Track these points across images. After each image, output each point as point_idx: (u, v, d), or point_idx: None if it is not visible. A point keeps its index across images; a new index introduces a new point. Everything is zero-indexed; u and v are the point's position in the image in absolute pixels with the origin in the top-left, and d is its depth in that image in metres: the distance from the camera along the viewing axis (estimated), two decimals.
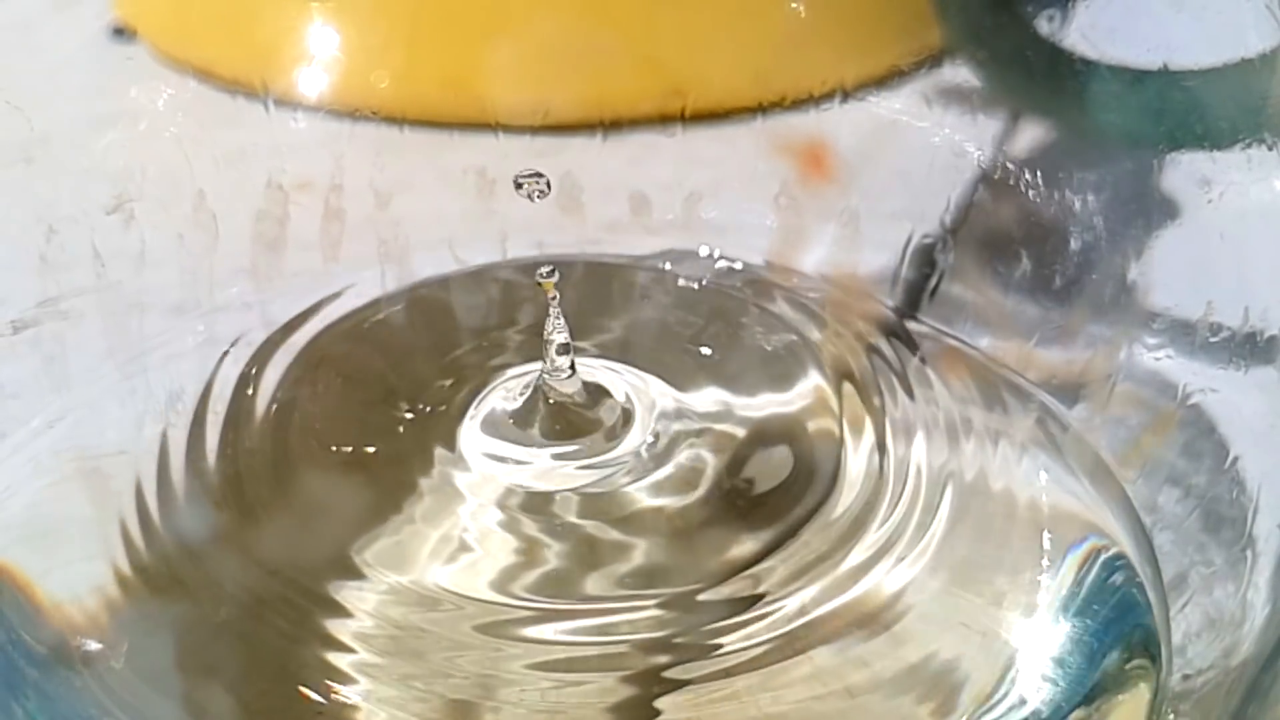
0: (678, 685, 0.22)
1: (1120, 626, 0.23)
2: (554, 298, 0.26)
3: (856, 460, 0.26)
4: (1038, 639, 0.23)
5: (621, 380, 0.28)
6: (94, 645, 0.22)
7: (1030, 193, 0.27)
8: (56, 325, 0.26)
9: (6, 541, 0.24)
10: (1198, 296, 0.25)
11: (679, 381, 0.28)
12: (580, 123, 0.30)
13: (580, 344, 0.27)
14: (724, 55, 0.30)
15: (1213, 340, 0.25)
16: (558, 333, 0.27)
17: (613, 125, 0.30)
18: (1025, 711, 0.22)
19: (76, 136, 0.28)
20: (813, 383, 0.28)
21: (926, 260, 0.29)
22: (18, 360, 0.26)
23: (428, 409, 0.27)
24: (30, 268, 0.26)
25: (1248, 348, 0.24)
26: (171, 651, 0.22)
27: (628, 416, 0.27)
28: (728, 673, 0.22)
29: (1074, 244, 0.27)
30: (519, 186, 0.28)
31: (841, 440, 0.27)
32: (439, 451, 0.26)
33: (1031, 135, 0.28)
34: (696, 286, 0.30)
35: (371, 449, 0.26)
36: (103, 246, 0.27)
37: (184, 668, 0.22)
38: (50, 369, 0.26)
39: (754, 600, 0.23)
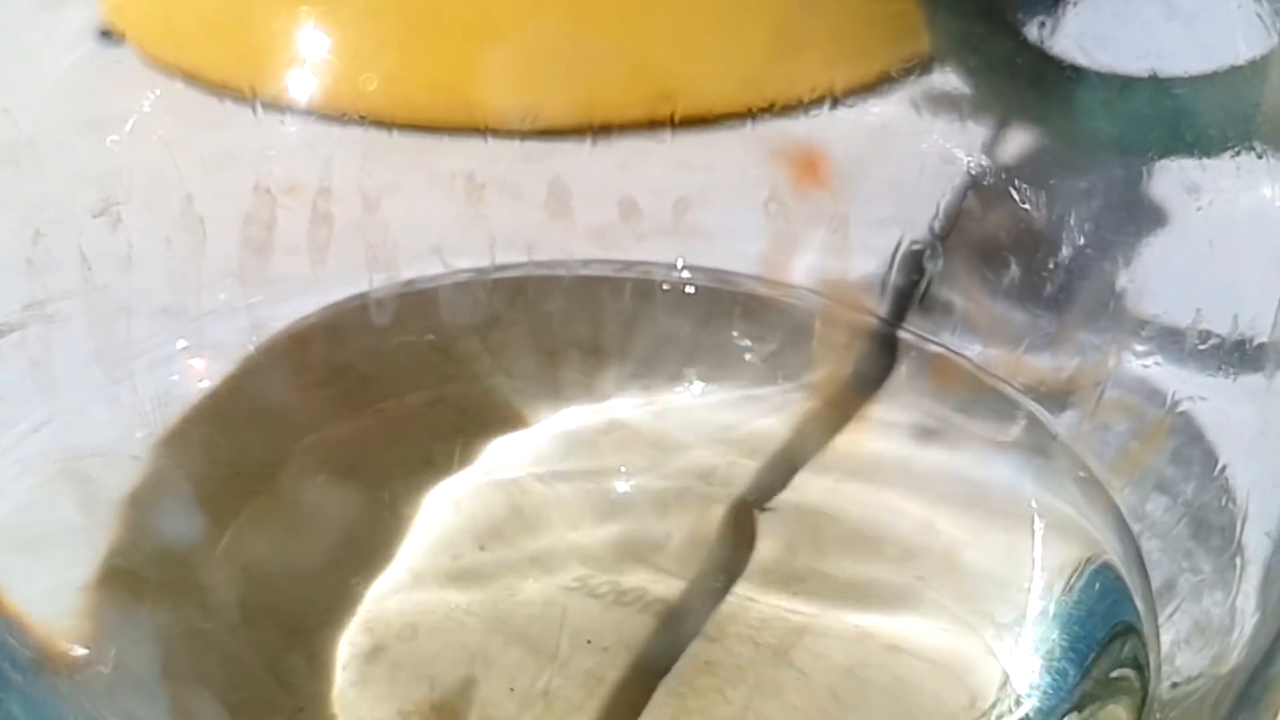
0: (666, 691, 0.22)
1: (1109, 634, 0.23)
2: None
3: (846, 467, 0.26)
4: (1027, 646, 0.23)
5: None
6: (80, 651, 0.22)
7: (1019, 200, 0.27)
8: (42, 328, 0.26)
9: None
10: (1187, 304, 0.25)
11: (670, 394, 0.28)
12: (569, 127, 0.29)
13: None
14: (713, 61, 0.30)
15: (1201, 348, 0.25)
16: None
17: (602, 130, 0.29)
18: (1014, 718, 0.22)
19: (63, 139, 0.27)
20: (803, 391, 0.28)
21: (915, 267, 0.29)
22: (3, 364, 0.26)
23: (419, 417, 0.27)
24: (16, 270, 0.26)
25: (1237, 355, 0.24)
26: (158, 658, 0.22)
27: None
28: (721, 677, 0.22)
29: (1063, 251, 0.27)
30: None
31: (831, 448, 0.27)
32: (432, 461, 0.26)
33: (1021, 142, 0.28)
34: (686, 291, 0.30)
35: (362, 457, 0.26)
36: (89, 250, 0.27)
37: (171, 674, 0.22)
38: (36, 372, 0.26)
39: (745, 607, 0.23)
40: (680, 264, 0.30)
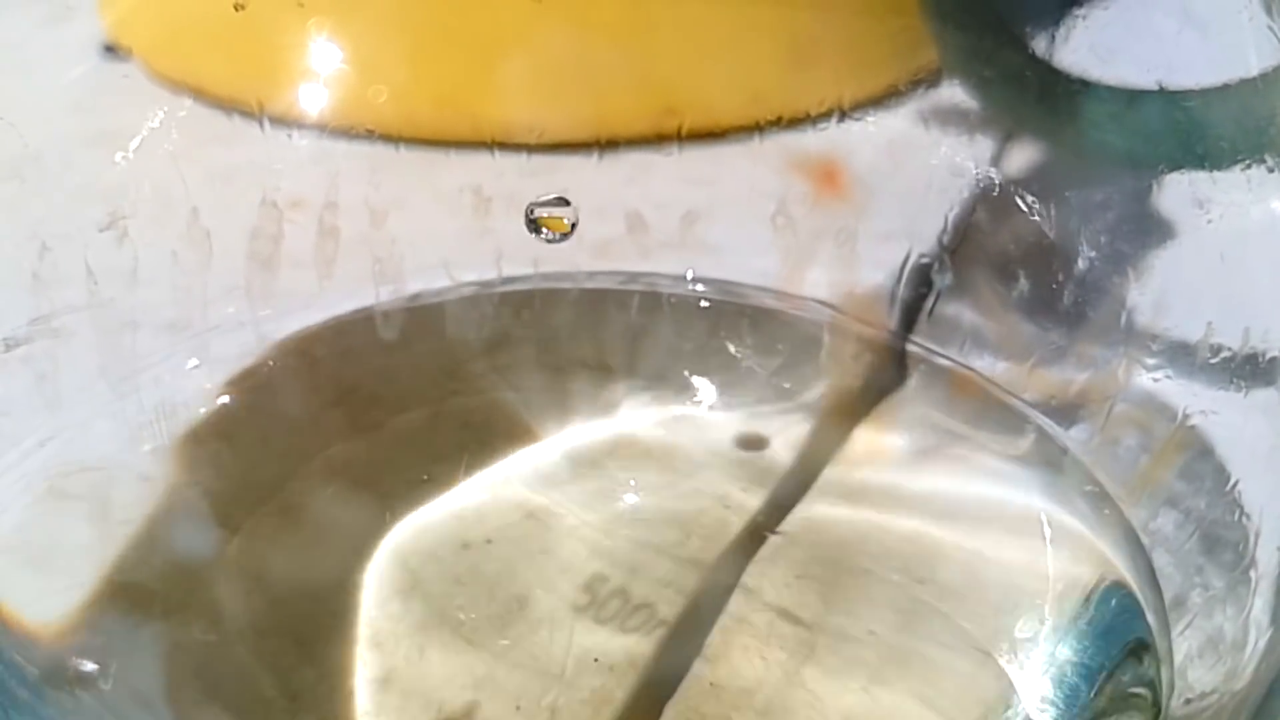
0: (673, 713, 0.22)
1: (1121, 650, 0.23)
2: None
3: (856, 481, 0.26)
4: (1039, 662, 0.23)
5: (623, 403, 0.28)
6: (87, 666, 0.22)
7: (1029, 213, 0.27)
8: (49, 343, 0.26)
9: None
10: (1197, 317, 0.25)
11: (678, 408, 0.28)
12: (576, 142, 0.29)
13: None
14: (720, 75, 0.30)
15: (1212, 361, 0.24)
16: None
17: (609, 144, 0.29)
18: None
19: (70, 154, 0.27)
20: (811, 405, 0.28)
21: (924, 280, 0.29)
22: (10, 378, 0.26)
23: (426, 431, 0.27)
24: (22, 285, 0.26)
25: (1248, 369, 0.24)
26: (166, 673, 0.22)
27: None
28: (728, 701, 0.22)
29: (1073, 264, 0.27)
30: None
31: (840, 462, 0.26)
32: (439, 476, 0.26)
33: (1030, 155, 0.28)
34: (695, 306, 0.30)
35: (369, 471, 0.26)
36: (95, 264, 0.27)
37: (178, 690, 0.22)
38: (42, 387, 0.26)
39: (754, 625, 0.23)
40: (690, 275, 0.30)
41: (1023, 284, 0.28)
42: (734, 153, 0.30)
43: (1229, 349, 0.24)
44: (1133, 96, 0.26)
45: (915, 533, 0.25)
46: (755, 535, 0.25)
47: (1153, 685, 0.22)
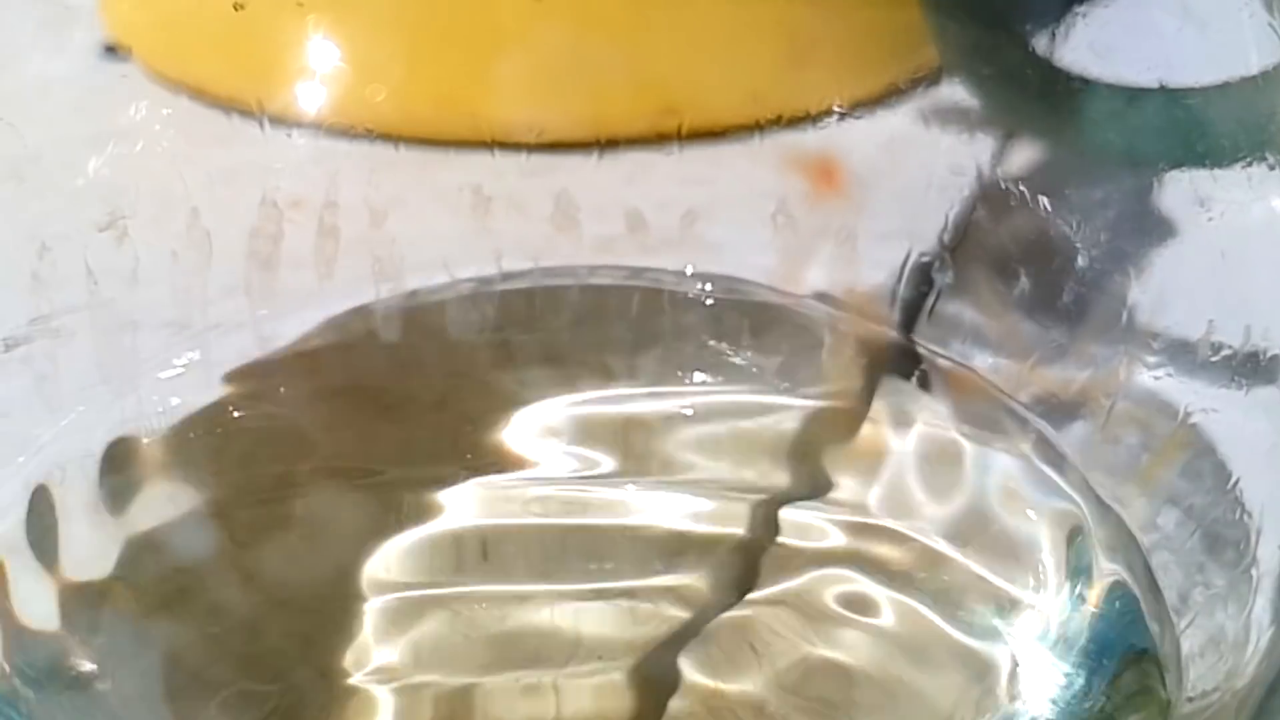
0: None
1: (1123, 649, 0.23)
2: None
3: (855, 482, 0.26)
4: (1040, 662, 0.23)
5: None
6: (87, 666, 0.22)
7: (1029, 211, 0.27)
8: (48, 343, 0.26)
9: None
10: (1198, 315, 0.25)
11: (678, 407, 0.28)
12: (576, 141, 0.29)
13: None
14: (720, 74, 0.30)
15: (1213, 360, 0.24)
16: None
17: (608, 144, 0.29)
18: None
19: (69, 154, 0.27)
20: (808, 403, 0.28)
21: (924, 279, 0.29)
22: (9, 378, 0.26)
23: (427, 429, 0.27)
24: (22, 285, 0.26)
25: (1249, 367, 0.24)
26: (168, 672, 0.22)
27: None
28: (723, 696, 0.22)
29: (1073, 262, 0.27)
30: None
31: (840, 462, 0.26)
32: (440, 473, 0.26)
33: (1031, 154, 0.28)
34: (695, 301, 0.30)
35: (370, 469, 0.26)
36: (95, 264, 0.27)
37: (180, 689, 0.22)
38: (42, 387, 0.26)
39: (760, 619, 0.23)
40: (689, 270, 0.30)
41: (1023, 282, 0.27)
42: (734, 152, 0.30)
43: (1230, 347, 0.24)
44: (1133, 94, 0.26)
45: (913, 534, 0.25)
46: (758, 532, 0.25)
47: (1156, 683, 0.22)
